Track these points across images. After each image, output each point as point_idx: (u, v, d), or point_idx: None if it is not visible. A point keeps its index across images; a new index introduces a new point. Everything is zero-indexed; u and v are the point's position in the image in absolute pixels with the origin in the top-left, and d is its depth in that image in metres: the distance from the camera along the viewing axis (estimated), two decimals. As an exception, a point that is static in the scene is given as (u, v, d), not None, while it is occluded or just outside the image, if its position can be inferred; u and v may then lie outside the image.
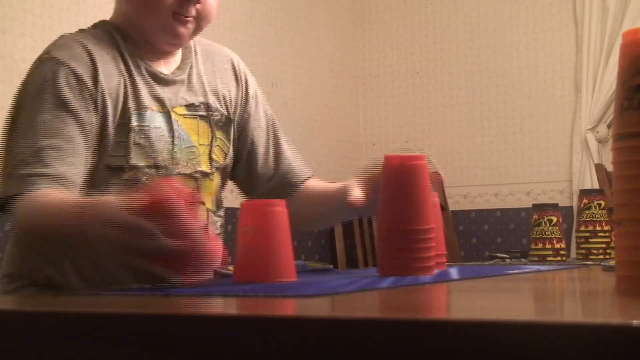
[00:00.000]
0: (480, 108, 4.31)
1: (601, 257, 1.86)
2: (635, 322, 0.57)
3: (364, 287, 1.06)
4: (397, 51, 4.53)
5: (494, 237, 4.26)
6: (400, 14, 4.52)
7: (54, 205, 1.26)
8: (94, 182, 1.36)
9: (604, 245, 1.89)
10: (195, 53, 1.55)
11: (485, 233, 4.29)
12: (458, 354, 0.62)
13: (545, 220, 1.84)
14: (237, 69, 1.61)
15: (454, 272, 1.37)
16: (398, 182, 1.24)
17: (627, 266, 0.90)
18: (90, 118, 1.36)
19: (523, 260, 2.11)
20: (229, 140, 1.55)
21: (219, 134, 1.52)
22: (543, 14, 4.18)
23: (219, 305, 0.95)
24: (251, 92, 1.63)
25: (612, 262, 1.30)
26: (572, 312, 0.82)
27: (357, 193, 1.38)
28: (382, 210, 1.25)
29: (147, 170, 1.39)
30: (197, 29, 1.46)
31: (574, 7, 4.08)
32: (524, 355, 0.60)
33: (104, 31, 1.47)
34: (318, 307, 0.86)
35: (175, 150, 1.43)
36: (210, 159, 1.50)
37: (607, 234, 1.89)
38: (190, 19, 1.43)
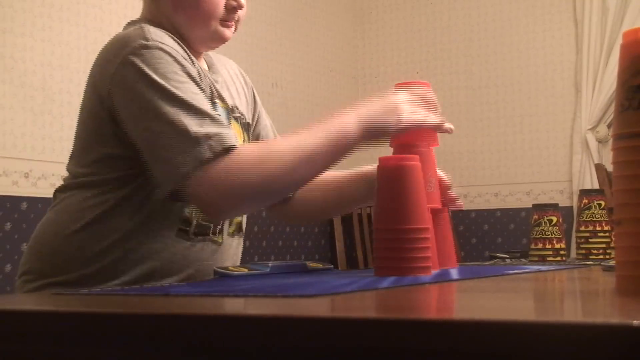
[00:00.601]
0: (480, 108, 4.31)
1: (601, 257, 1.86)
2: (635, 322, 0.57)
3: (363, 287, 1.06)
4: (397, 51, 4.53)
5: (494, 237, 4.26)
6: (400, 14, 4.52)
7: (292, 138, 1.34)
8: None
9: (604, 245, 1.89)
10: (213, 62, 1.59)
11: (485, 233, 4.28)
12: (458, 354, 0.62)
13: (545, 220, 1.84)
14: (244, 75, 1.68)
15: (454, 272, 1.37)
16: (392, 181, 1.25)
17: (627, 266, 0.90)
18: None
19: (523, 260, 2.11)
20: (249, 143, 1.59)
21: (245, 137, 1.56)
22: (543, 14, 4.19)
23: (219, 305, 0.95)
24: (257, 96, 1.69)
25: (612, 262, 1.30)
26: (572, 312, 0.82)
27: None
28: (377, 211, 1.26)
29: None
30: (236, 30, 1.52)
31: (574, 7, 4.08)
32: (524, 355, 0.60)
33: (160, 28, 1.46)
34: (318, 307, 0.86)
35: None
36: None
37: (607, 234, 1.89)
38: (234, 22, 1.49)
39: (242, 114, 1.56)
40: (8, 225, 2.76)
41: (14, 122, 2.76)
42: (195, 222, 1.42)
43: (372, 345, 0.66)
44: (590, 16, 3.98)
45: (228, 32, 1.49)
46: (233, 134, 1.32)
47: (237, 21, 1.51)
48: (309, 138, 1.32)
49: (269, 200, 1.46)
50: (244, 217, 1.56)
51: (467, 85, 4.34)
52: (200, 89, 1.37)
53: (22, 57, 2.77)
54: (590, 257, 1.89)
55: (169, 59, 1.35)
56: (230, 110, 1.52)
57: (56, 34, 2.89)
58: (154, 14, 1.49)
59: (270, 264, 1.40)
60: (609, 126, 3.93)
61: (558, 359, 0.59)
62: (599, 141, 3.98)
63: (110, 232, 1.39)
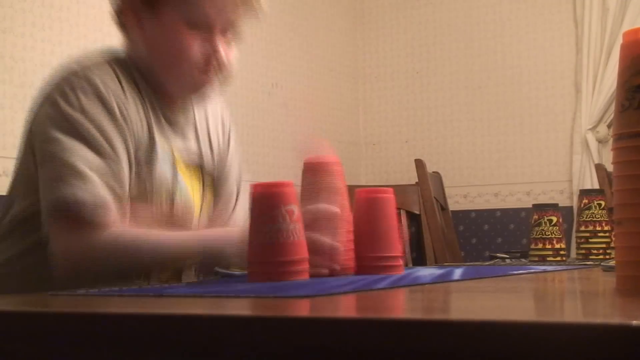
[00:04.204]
0: (480, 108, 4.31)
1: (601, 257, 1.86)
2: (635, 322, 0.57)
3: (361, 288, 1.06)
4: (397, 51, 4.53)
5: (494, 237, 4.26)
6: (400, 14, 4.52)
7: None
8: None
9: (604, 246, 1.89)
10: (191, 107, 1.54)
11: (485, 233, 4.28)
12: (458, 354, 0.62)
13: (545, 220, 1.84)
14: (223, 117, 1.61)
15: (454, 272, 1.37)
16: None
17: (627, 266, 0.90)
18: (129, 146, 1.35)
19: (523, 260, 2.11)
20: (213, 199, 1.55)
21: (207, 194, 1.53)
22: (543, 14, 4.18)
23: (219, 305, 0.95)
24: (232, 142, 1.62)
25: (612, 262, 1.30)
26: (572, 312, 0.82)
27: None
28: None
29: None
30: (221, 87, 1.46)
31: (574, 7, 4.07)
32: (524, 355, 0.60)
33: (124, 65, 1.42)
34: (317, 307, 0.86)
35: (177, 197, 1.43)
36: (200, 216, 1.50)
37: (607, 234, 1.89)
38: (216, 78, 1.42)
39: (205, 165, 1.51)
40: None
41: (14, 122, 2.75)
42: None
43: (371, 345, 0.66)
44: (590, 16, 3.97)
45: (206, 88, 1.42)
46: (114, 207, 1.29)
47: (223, 76, 1.43)
48: (173, 247, 1.31)
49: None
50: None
51: (467, 85, 4.34)
52: (121, 130, 1.33)
53: (22, 57, 2.77)
54: (590, 257, 1.88)
55: (94, 100, 1.32)
56: (188, 156, 1.47)
57: (56, 34, 2.89)
58: (131, 49, 1.44)
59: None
60: (609, 126, 3.93)
61: (558, 359, 0.59)
62: (599, 141, 3.98)
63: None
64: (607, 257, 1.84)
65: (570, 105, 4.10)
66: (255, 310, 0.86)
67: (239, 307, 0.91)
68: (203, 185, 1.51)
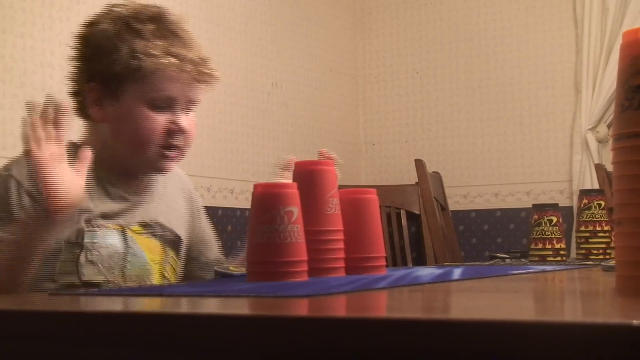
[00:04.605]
0: (480, 108, 4.31)
1: (601, 257, 1.86)
2: (635, 322, 0.57)
3: (360, 288, 1.06)
4: (397, 51, 4.53)
5: (494, 237, 4.26)
6: (400, 14, 4.52)
7: None
8: None
9: (604, 245, 1.89)
10: (150, 183, 1.57)
11: (485, 233, 4.28)
12: (458, 354, 0.62)
13: (545, 220, 1.84)
14: (185, 188, 1.66)
15: (454, 272, 1.37)
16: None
17: (627, 266, 0.90)
18: None
19: (523, 260, 2.11)
20: (179, 258, 1.58)
21: (170, 253, 1.56)
22: (543, 14, 4.18)
23: (219, 305, 0.95)
24: (199, 208, 1.67)
25: (612, 262, 1.30)
26: (572, 312, 0.82)
27: None
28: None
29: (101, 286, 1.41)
30: (181, 157, 1.50)
31: (574, 7, 4.07)
32: (524, 355, 0.60)
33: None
34: (316, 307, 0.86)
35: (128, 267, 1.46)
36: (163, 276, 1.53)
37: (607, 234, 1.89)
38: (178, 151, 1.47)
39: (167, 231, 1.55)
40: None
41: (14, 122, 2.76)
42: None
43: (371, 345, 0.66)
44: (590, 16, 3.97)
45: (168, 165, 1.48)
46: None
47: (184, 147, 1.48)
48: None
49: None
50: None
51: (467, 85, 4.34)
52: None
53: (22, 57, 2.77)
54: (590, 257, 1.89)
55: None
56: (145, 227, 1.50)
57: (56, 34, 2.89)
58: (92, 139, 1.49)
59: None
60: (609, 126, 3.93)
61: (558, 359, 0.59)
62: (599, 141, 3.98)
63: None
64: (607, 257, 1.84)
65: (570, 105, 4.10)
66: (255, 309, 0.86)
67: (239, 307, 0.91)
68: (162, 245, 1.54)
